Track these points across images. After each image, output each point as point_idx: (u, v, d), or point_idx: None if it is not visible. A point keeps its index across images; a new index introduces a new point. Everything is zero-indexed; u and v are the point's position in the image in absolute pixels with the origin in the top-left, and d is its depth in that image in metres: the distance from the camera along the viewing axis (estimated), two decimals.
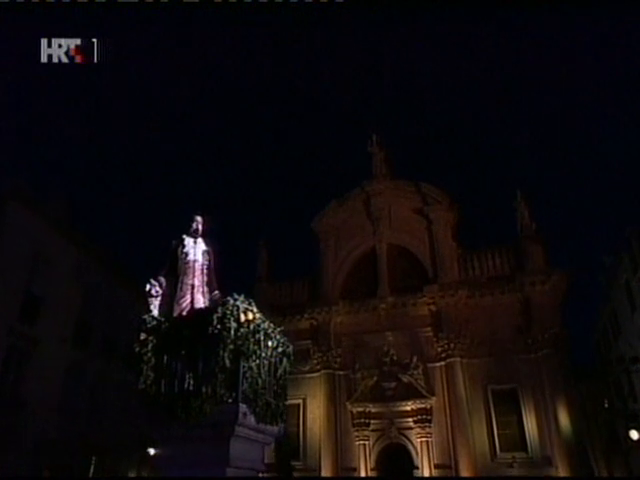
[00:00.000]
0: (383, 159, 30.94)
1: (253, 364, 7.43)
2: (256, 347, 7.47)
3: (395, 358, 25.57)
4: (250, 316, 7.46)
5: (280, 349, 8.37)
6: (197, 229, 9.01)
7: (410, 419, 24.31)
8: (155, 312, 7.98)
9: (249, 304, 7.58)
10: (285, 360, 8.51)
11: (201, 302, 8.52)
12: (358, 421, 25.03)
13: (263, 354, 7.75)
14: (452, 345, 24.78)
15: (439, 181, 30.60)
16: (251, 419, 7.20)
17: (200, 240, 8.92)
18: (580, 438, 22.63)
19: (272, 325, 8.18)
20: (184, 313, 8.34)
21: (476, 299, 25.63)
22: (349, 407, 25.39)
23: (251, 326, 7.44)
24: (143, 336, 7.65)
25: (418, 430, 24.01)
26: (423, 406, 24.26)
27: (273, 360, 8.16)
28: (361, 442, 24.77)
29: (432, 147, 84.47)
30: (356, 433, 24.95)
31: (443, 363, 24.94)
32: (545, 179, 78.47)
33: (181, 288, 8.50)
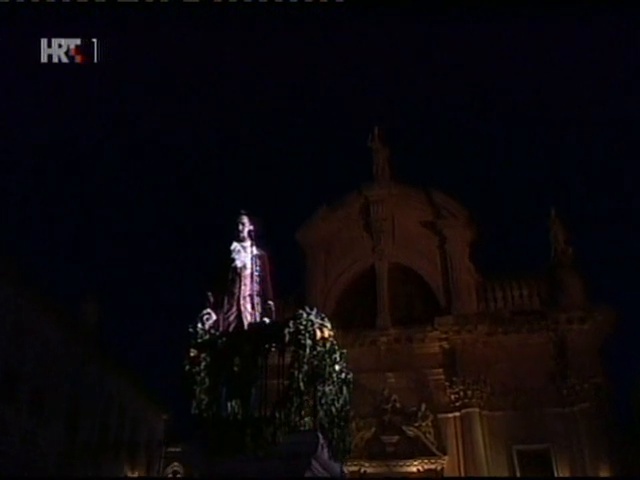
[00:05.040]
0: (386, 159, 31.70)
1: (327, 388, 8.17)
2: (331, 369, 8.22)
3: (398, 405, 26.17)
4: (326, 333, 8.22)
5: (342, 375, 9.14)
6: (243, 231, 9.72)
7: None
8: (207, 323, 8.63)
9: (322, 319, 8.34)
10: (345, 389, 9.28)
11: (251, 314, 9.22)
12: None
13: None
14: (469, 392, 25.53)
15: (454, 191, 31.40)
16: (325, 453, 7.92)
17: (250, 244, 9.62)
18: None
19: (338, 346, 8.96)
20: (231, 328, 9.03)
21: (499, 337, 26.53)
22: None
23: (327, 345, 8.19)
24: (194, 352, 8.28)
25: None
26: (432, 467, 24.88)
27: (336, 387, 8.93)
28: None
29: (446, 150, 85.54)
30: None
31: (457, 414, 25.67)
32: (583, 195, 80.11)
33: (228, 300, 9.19)
